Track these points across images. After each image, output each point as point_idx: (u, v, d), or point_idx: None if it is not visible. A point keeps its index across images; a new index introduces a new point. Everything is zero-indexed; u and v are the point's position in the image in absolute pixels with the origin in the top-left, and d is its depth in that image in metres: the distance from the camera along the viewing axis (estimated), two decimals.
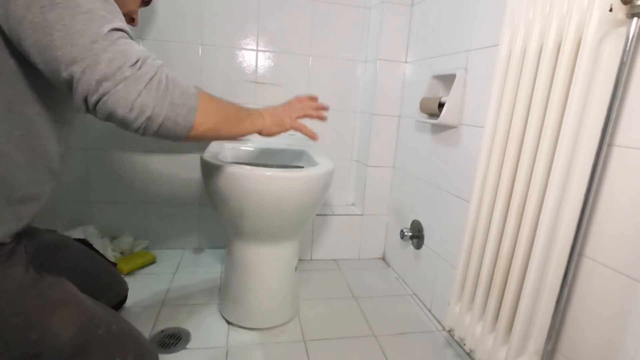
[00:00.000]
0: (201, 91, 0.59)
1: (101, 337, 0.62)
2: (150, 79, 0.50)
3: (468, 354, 1.02)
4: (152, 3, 0.92)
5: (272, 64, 1.48)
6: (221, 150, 1.19)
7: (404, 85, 1.47)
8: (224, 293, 1.13)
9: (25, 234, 0.66)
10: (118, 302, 1.02)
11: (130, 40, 0.52)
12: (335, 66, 1.54)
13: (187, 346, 0.98)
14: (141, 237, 1.49)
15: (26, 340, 0.54)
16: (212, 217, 1.54)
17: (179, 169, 1.47)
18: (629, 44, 0.60)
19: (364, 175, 1.55)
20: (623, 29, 0.61)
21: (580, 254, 0.72)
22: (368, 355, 1.01)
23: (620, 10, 0.61)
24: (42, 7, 0.47)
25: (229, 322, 1.09)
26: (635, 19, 0.59)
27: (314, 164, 1.08)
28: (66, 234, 1.29)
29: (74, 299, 0.61)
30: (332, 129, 1.59)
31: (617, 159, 0.66)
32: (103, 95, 0.48)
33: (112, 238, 1.43)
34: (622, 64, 0.61)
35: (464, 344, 0.91)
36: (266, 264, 1.05)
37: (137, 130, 0.52)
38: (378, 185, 1.55)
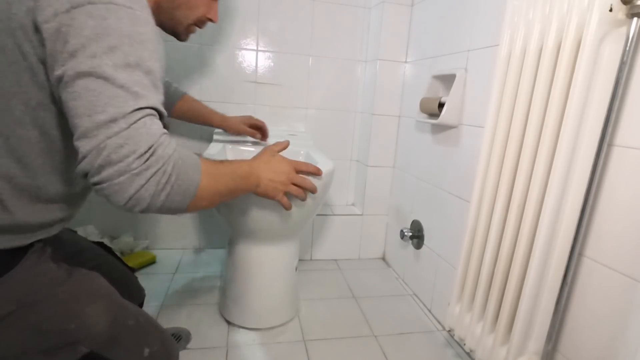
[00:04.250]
0: (207, 177, 0.57)
1: (131, 327, 0.64)
2: (154, 173, 0.49)
3: (468, 354, 1.02)
4: None
5: (272, 64, 1.48)
6: (221, 151, 1.19)
7: (404, 85, 1.47)
8: (224, 293, 1.13)
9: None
10: None
11: (154, 121, 0.51)
12: (335, 66, 1.54)
13: (187, 346, 0.98)
14: (141, 237, 1.49)
15: (64, 330, 0.56)
16: (212, 217, 1.54)
17: None
18: (629, 44, 0.60)
19: (364, 175, 1.55)
20: (623, 29, 0.61)
21: (580, 254, 0.72)
22: (368, 355, 1.01)
23: (620, 10, 0.61)
24: (78, 73, 0.46)
25: (229, 322, 1.09)
26: (635, 19, 0.59)
27: (314, 164, 1.07)
28: None
29: (106, 291, 0.64)
30: (332, 129, 1.59)
31: (617, 159, 0.66)
32: (102, 182, 0.47)
33: (112, 238, 1.43)
34: (622, 64, 0.61)
35: (464, 344, 0.91)
36: (266, 264, 1.05)
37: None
38: (378, 185, 1.55)
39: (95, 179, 0.47)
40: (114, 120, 0.46)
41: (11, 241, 0.54)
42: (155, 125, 0.50)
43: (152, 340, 0.66)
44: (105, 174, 0.47)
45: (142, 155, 0.47)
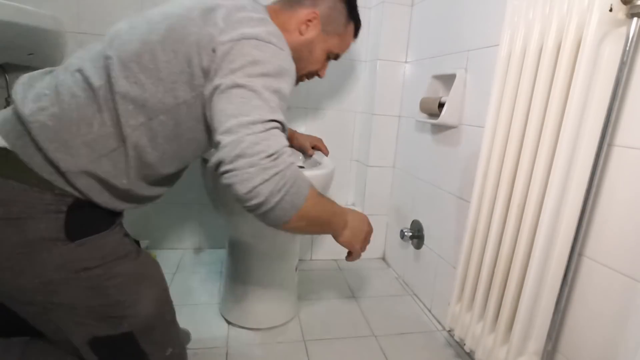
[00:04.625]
0: (313, 196, 0.63)
1: (167, 323, 0.69)
2: (277, 173, 0.56)
3: (468, 354, 1.02)
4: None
5: None
6: None
7: (404, 85, 1.47)
8: (224, 293, 1.13)
9: None
10: None
11: (282, 134, 0.61)
12: (335, 66, 1.53)
13: (187, 346, 0.97)
14: (141, 237, 1.49)
15: (119, 302, 0.61)
16: (212, 217, 1.54)
17: None
18: (629, 44, 0.60)
19: (364, 175, 1.55)
20: (623, 29, 0.61)
21: (580, 254, 0.72)
22: (368, 355, 1.01)
23: (620, 10, 0.61)
24: (236, 83, 0.58)
25: (229, 322, 1.09)
26: (635, 19, 0.59)
27: (314, 164, 1.08)
28: None
29: (162, 281, 0.70)
30: (332, 129, 1.59)
31: (617, 159, 0.66)
32: (233, 170, 0.55)
33: None
34: (622, 64, 0.61)
35: (464, 344, 0.91)
36: (266, 264, 1.05)
37: (245, 208, 0.59)
38: (378, 185, 1.55)
39: (229, 167, 0.55)
40: (254, 122, 0.57)
41: (114, 203, 0.62)
42: (282, 136, 0.60)
43: (176, 342, 0.71)
44: (238, 163, 0.55)
45: (270, 155, 0.56)
